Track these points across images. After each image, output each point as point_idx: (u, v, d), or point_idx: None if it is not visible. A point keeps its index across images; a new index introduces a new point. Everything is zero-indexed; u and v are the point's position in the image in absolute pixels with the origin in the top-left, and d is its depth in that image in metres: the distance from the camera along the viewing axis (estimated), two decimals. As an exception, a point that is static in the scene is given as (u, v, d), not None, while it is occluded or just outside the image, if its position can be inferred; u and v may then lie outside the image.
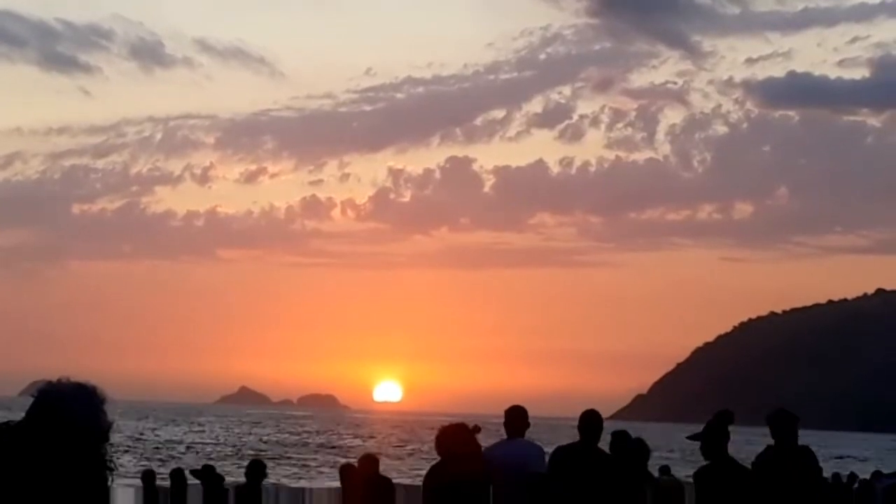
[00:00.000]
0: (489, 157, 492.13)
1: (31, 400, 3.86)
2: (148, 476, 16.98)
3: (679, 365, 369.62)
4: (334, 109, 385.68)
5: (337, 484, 15.17)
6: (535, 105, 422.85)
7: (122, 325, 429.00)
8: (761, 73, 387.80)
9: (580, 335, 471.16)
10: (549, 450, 10.91)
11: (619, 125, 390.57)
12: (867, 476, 25.56)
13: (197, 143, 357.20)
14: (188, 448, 68.52)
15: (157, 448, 66.14)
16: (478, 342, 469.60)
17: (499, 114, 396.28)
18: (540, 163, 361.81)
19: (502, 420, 10.66)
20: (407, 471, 47.90)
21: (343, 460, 27.13)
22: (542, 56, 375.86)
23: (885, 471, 29.16)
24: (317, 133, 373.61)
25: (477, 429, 9.87)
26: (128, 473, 29.36)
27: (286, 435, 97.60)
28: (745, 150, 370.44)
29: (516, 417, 10.61)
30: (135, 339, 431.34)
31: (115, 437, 3.87)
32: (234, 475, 35.10)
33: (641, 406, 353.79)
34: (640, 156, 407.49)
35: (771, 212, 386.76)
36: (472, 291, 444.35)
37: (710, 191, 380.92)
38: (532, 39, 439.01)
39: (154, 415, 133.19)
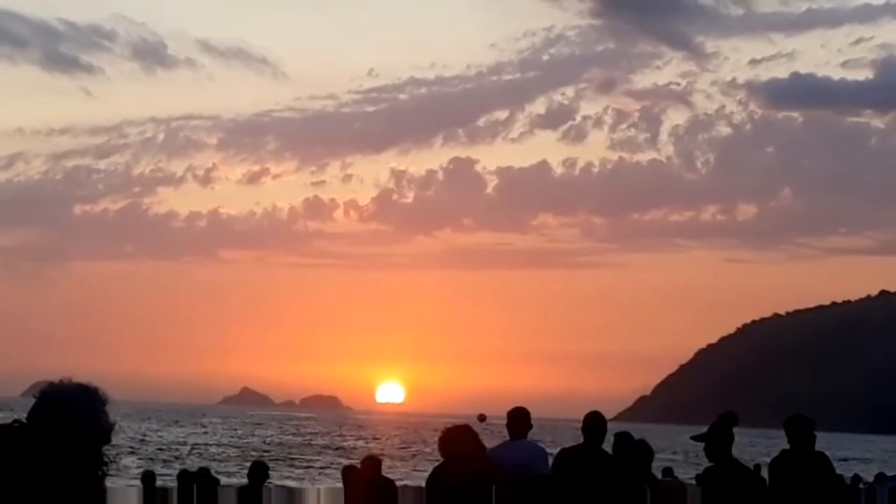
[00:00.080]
0: (492, 158, 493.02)
1: (32, 401, 3.86)
2: (148, 477, 16.96)
3: (682, 366, 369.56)
4: (337, 110, 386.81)
5: (339, 485, 15.14)
6: (538, 106, 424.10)
7: (124, 326, 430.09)
8: (765, 74, 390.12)
9: (583, 336, 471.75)
10: (552, 451, 10.90)
11: (623, 126, 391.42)
12: (871, 478, 25.55)
13: (199, 143, 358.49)
14: (192, 449, 68.51)
15: (161, 449, 66.15)
16: (480, 343, 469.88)
17: (502, 115, 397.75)
18: (543, 164, 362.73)
19: (505, 421, 10.65)
20: (410, 472, 47.90)
21: (345, 462, 27.14)
22: (546, 57, 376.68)
23: (889, 473, 29.14)
24: (319, 134, 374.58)
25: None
26: (131, 475, 29.38)
27: (289, 436, 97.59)
28: (749, 152, 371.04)
29: (519, 419, 10.60)
30: (137, 339, 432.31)
31: (117, 439, 3.86)
32: (238, 476, 35.14)
33: (644, 407, 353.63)
34: (644, 157, 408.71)
35: (774, 213, 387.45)
36: (474, 292, 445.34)
37: (713, 192, 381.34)
38: (535, 40, 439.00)
39: (156, 416, 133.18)
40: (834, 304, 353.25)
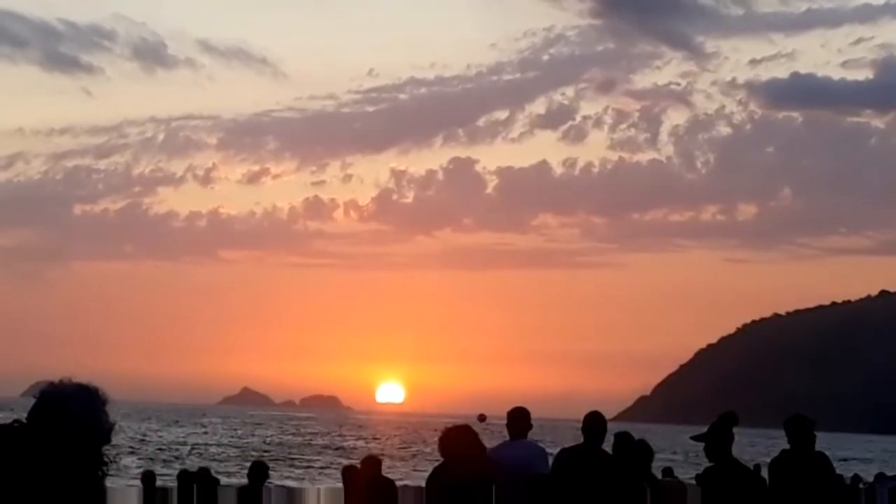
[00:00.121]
0: (492, 158, 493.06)
1: (33, 401, 3.86)
2: (148, 477, 16.94)
3: (682, 366, 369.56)
4: (337, 110, 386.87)
5: (339, 485, 15.14)
6: (538, 106, 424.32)
7: (124, 326, 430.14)
8: (765, 74, 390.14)
9: (583, 336, 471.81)
10: (552, 451, 10.90)
11: (623, 126, 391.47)
12: (871, 478, 25.55)
13: (199, 143, 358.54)
14: (192, 449, 68.52)
15: (161, 449, 66.15)
16: (480, 343, 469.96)
17: (502, 115, 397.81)
18: (543, 164, 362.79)
19: (505, 421, 10.65)
20: (410, 472, 47.90)
21: (345, 462, 27.13)
22: (546, 57, 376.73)
23: (889, 473, 29.14)
24: (319, 134, 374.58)
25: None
26: (131, 475, 29.38)
27: (289, 436, 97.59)
28: (749, 152, 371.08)
29: (519, 419, 10.60)
30: (136, 339, 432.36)
31: (117, 439, 3.86)
32: (238, 476, 35.14)
33: (644, 407, 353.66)
34: (644, 157, 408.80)
35: (774, 213, 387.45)
36: (474, 292, 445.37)
37: (713, 192, 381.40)
38: (535, 40, 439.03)
39: (157, 416, 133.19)
40: (834, 304, 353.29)
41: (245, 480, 15.29)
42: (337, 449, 78.04)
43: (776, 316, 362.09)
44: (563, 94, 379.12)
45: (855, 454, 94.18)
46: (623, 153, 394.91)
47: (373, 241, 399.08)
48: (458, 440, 9.76)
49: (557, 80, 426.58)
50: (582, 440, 10.36)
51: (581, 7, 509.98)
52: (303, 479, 48.42)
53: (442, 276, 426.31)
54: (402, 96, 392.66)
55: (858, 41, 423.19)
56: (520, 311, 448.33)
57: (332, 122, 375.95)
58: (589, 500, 9.82)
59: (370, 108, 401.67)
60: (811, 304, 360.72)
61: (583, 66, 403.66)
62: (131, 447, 62.09)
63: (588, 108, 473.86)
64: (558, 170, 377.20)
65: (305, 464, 60.38)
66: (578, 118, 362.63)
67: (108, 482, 3.89)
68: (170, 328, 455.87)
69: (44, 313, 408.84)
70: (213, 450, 69.86)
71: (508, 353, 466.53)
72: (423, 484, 10.25)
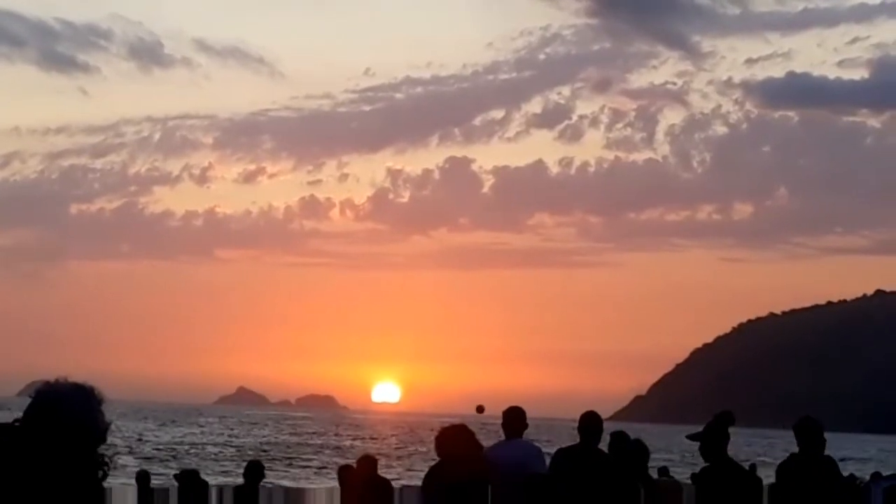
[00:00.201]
0: (488, 157, 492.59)
1: (28, 400, 3.85)
2: (142, 477, 16.90)
3: (678, 366, 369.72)
4: (333, 109, 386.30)
5: (335, 485, 15.14)
6: (535, 105, 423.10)
7: (120, 326, 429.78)
8: (761, 73, 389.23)
9: (579, 336, 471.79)
10: (548, 451, 10.90)
11: (619, 125, 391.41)
12: (867, 477, 25.56)
13: (195, 143, 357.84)
14: (188, 449, 68.49)
15: (158, 449, 66.14)
16: (476, 343, 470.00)
17: (498, 114, 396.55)
18: (539, 163, 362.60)
19: (500, 421, 10.65)
20: (406, 472, 47.91)
21: (342, 461, 27.13)
22: (542, 56, 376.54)
23: (885, 472, 29.15)
24: (315, 133, 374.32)
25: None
26: (126, 474, 29.36)
27: (286, 436, 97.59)
28: (745, 151, 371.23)
29: (515, 418, 10.60)
30: (133, 339, 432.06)
31: (114, 439, 3.87)
32: (234, 476, 35.12)
33: (640, 407, 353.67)
34: (640, 156, 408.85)
35: (770, 212, 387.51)
36: (470, 292, 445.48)
37: (709, 191, 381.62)
38: (531, 40, 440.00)
39: (153, 415, 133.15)
40: (830, 303, 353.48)
41: (241, 480, 15.29)
42: (333, 448, 78.05)
43: (772, 315, 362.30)
44: (559, 93, 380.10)
45: (853, 454, 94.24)
46: (619, 152, 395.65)
47: (369, 241, 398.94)
48: (454, 440, 9.76)
49: (554, 79, 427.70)
50: (578, 440, 10.37)
51: (577, 6, 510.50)
52: (299, 478, 48.41)
53: (438, 275, 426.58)
54: (398, 96, 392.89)
55: (854, 40, 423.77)
56: (516, 310, 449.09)
57: (328, 122, 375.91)
58: (586, 500, 9.83)
59: (366, 108, 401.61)
60: (807, 304, 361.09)
61: (579, 66, 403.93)
62: (128, 447, 62.08)
63: (584, 108, 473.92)
64: (554, 169, 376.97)
65: (302, 463, 60.38)
66: (575, 117, 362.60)
67: (105, 482, 3.89)
68: (166, 327, 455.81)
69: (40, 313, 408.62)
70: (209, 449, 69.84)
71: (504, 353, 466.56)
72: (419, 483, 10.26)
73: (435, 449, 9.93)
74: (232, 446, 74.93)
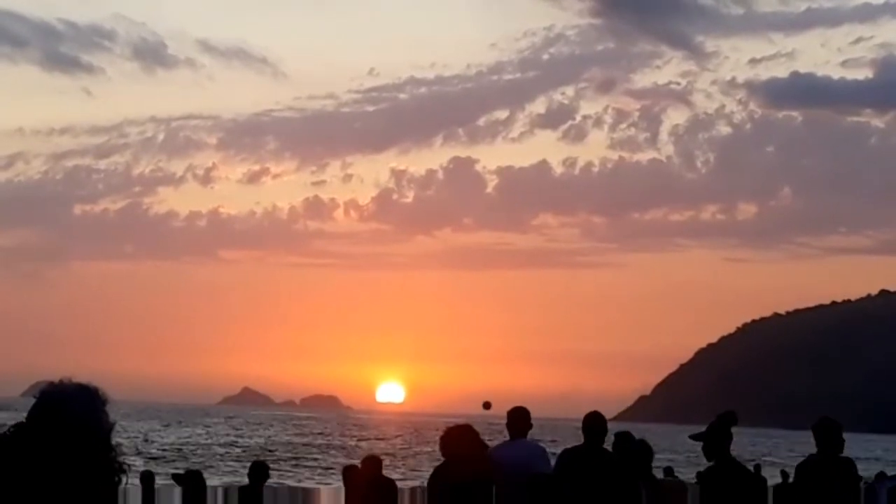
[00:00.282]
0: (492, 157, 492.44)
1: (32, 401, 3.86)
2: (147, 477, 16.91)
3: (682, 366, 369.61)
4: (337, 110, 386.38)
5: (340, 485, 15.15)
6: (539, 105, 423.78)
7: (124, 326, 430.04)
8: (765, 73, 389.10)
9: (583, 336, 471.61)
10: (552, 450, 10.90)
11: (623, 126, 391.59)
12: (871, 477, 25.53)
13: (199, 143, 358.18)
14: (194, 450, 68.53)
15: (164, 450, 66.19)
16: (480, 343, 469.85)
17: (502, 114, 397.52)
18: (543, 163, 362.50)
19: (505, 421, 10.65)
20: (410, 472, 47.93)
21: (346, 461, 27.14)
22: (546, 56, 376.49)
23: (889, 472, 29.15)
24: (319, 133, 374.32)
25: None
26: (131, 474, 29.35)
27: (290, 436, 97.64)
28: (749, 151, 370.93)
29: (519, 419, 10.60)
30: (137, 339, 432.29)
31: (119, 439, 3.87)
32: (241, 476, 35.15)
33: (644, 407, 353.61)
34: (644, 156, 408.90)
35: (774, 212, 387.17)
36: (474, 292, 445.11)
37: (713, 191, 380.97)
38: (535, 40, 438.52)
39: (158, 416, 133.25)
40: (834, 303, 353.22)
41: (246, 480, 15.29)
42: (338, 449, 78.08)
43: (776, 315, 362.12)
44: (563, 93, 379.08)
45: (855, 453, 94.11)
46: (623, 153, 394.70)
47: (373, 241, 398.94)
48: (459, 440, 9.77)
49: (557, 79, 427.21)
50: (582, 440, 10.37)
51: (581, 6, 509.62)
52: (304, 478, 48.42)
53: (442, 275, 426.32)
54: (402, 96, 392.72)
55: (858, 40, 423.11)
56: (520, 310, 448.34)
57: (332, 122, 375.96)
58: (591, 500, 9.83)
59: (370, 108, 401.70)
60: (811, 304, 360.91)
61: (583, 66, 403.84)
62: (135, 447, 62.11)
63: (588, 108, 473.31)
64: (558, 169, 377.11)
65: (306, 464, 60.40)
66: (578, 118, 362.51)
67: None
68: (170, 328, 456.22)
69: (44, 313, 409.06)
70: (214, 449, 69.89)
71: (508, 353, 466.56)
72: (424, 484, 10.27)
73: (440, 449, 9.94)
74: (237, 446, 74.98)
